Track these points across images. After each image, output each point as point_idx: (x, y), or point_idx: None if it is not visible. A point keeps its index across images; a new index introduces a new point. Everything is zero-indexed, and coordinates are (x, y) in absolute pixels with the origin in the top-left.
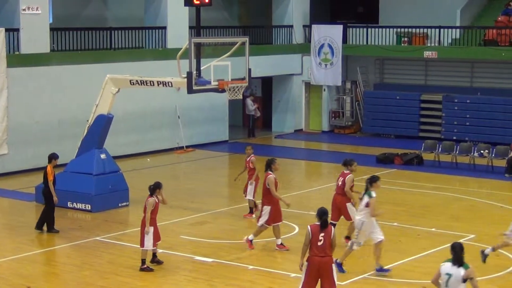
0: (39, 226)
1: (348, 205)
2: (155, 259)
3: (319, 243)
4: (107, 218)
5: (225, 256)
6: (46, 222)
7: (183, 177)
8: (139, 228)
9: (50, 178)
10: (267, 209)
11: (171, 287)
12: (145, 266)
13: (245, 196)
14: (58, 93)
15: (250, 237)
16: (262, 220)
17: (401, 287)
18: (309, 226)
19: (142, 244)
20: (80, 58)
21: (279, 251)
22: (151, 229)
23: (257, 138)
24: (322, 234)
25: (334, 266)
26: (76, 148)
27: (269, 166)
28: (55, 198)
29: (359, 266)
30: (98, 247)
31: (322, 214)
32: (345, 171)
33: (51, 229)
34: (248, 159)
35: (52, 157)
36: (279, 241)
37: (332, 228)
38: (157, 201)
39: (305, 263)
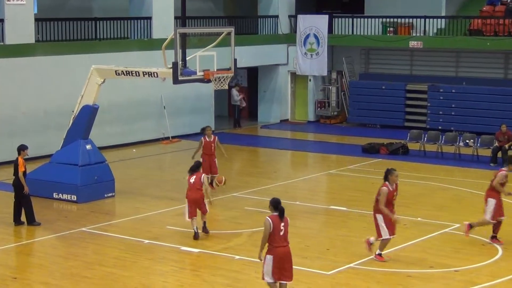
0: (16, 220)
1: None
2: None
3: (281, 233)
4: (93, 209)
5: (212, 246)
6: (26, 213)
7: (169, 168)
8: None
9: (22, 170)
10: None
11: (158, 278)
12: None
13: (216, 173)
14: (44, 84)
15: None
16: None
17: (387, 276)
18: (269, 218)
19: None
20: (65, 48)
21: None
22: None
23: (243, 128)
24: (282, 224)
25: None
26: (61, 138)
27: (386, 176)
28: (26, 188)
29: (345, 255)
30: (84, 238)
31: (277, 204)
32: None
33: (31, 221)
34: (212, 139)
35: (21, 148)
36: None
37: (288, 218)
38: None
39: (268, 256)
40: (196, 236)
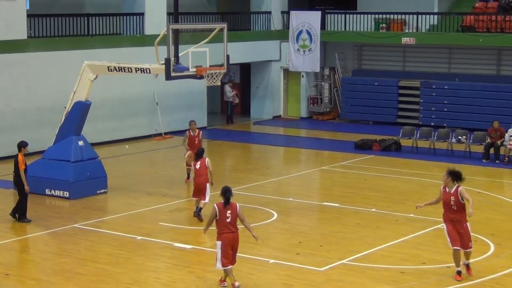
0: (13, 214)
1: None
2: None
3: (227, 220)
4: (85, 205)
5: (204, 242)
6: (18, 211)
7: (162, 164)
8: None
9: (22, 167)
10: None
11: (150, 274)
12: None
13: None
14: (36, 80)
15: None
16: None
17: (379, 272)
18: (216, 205)
19: (204, 198)
20: (57, 44)
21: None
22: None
23: (236, 125)
24: (229, 211)
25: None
26: (54, 135)
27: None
28: (26, 188)
29: (338, 252)
30: (76, 234)
31: (224, 192)
32: None
33: (23, 218)
34: (196, 133)
35: (22, 145)
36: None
37: (237, 204)
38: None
39: (217, 243)
40: (195, 215)
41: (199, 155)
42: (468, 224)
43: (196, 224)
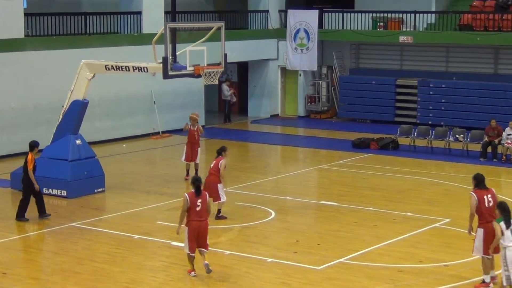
0: (20, 215)
1: None
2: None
3: (197, 209)
4: (83, 204)
5: None
6: (19, 209)
7: (159, 163)
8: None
9: (30, 167)
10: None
11: (148, 273)
12: (221, 214)
13: (196, 161)
14: (33, 79)
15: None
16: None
17: (377, 271)
18: (186, 194)
19: (218, 198)
20: (54, 43)
21: (254, 236)
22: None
23: (233, 123)
24: (199, 201)
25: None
26: (51, 134)
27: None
28: (36, 186)
29: (336, 250)
30: (74, 233)
31: (194, 181)
32: None
33: (21, 217)
34: (196, 128)
35: (34, 145)
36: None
37: (206, 194)
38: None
39: (185, 228)
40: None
41: (219, 153)
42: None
43: None
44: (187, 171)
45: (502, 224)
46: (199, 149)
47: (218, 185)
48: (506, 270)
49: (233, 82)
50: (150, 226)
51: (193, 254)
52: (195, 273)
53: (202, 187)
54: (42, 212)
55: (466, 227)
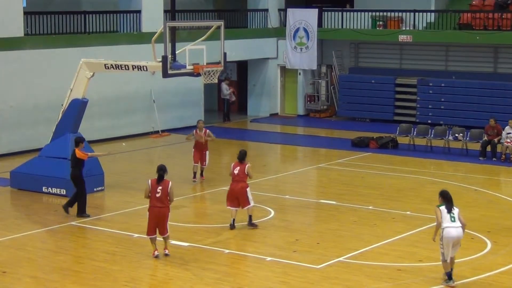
0: (67, 209)
1: None
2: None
3: (157, 195)
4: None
5: (201, 240)
6: (78, 206)
7: (158, 162)
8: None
9: (86, 157)
10: None
11: (147, 271)
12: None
13: (204, 165)
14: (32, 78)
15: None
16: None
17: (376, 270)
18: (149, 180)
19: (248, 203)
20: (54, 42)
21: (254, 235)
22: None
23: (233, 122)
24: (160, 188)
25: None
26: (51, 132)
27: None
28: (104, 152)
29: (335, 249)
30: (73, 232)
31: (158, 170)
32: None
33: (82, 213)
34: (203, 132)
35: (79, 140)
36: None
37: (169, 182)
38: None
39: (147, 213)
40: (231, 227)
41: (241, 158)
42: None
43: (192, 221)
44: (194, 173)
45: (443, 208)
46: (207, 152)
47: (247, 189)
48: (442, 247)
49: (233, 81)
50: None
51: (152, 236)
52: (157, 252)
53: (165, 177)
54: (82, 210)
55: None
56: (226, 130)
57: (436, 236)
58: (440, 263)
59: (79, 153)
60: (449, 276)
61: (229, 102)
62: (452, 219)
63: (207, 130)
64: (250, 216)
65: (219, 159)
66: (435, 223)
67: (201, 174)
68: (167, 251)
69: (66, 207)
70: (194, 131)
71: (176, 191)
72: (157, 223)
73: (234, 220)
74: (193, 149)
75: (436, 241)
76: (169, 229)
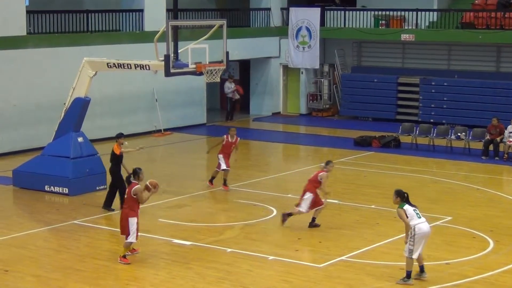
0: (107, 205)
1: None
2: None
3: (125, 196)
4: (84, 201)
5: (203, 239)
6: (106, 197)
7: (161, 161)
8: (119, 211)
9: (118, 151)
10: None
11: (149, 270)
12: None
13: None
14: (35, 76)
15: None
16: None
17: (378, 269)
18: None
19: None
20: (56, 41)
21: (256, 234)
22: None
23: (235, 121)
24: (128, 190)
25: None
26: (53, 131)
27: None
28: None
29: (337, 248)
30: (76, 230)
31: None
32: None
33: (107, 206)
34: (234, 140)
35: (118, 136)
36: None
37: (134, 185)
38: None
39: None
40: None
41: (326, 164)
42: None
43: (195, 220)
44: (213, 177)
45: (407, 207)
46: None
47: (307, 193)
48: (412, 244)
49: (235, 80)
50: (152, 223)
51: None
52: (136, 252)
53: (133, 179)
54: (108, 204)
55: (468, 225)
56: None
57: (406, 237)
58: (443, 262)
59: (114, 148)
60: (408, 275)
61: (232, 100)
62: (418, 215)
63: (238, 139)
64: (313, 219)
65: None
66: (436, 223)
67: (224, 183)
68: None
69: (106, 206)
70: (225, 136)
71: (178, 189)
72: (120, 222)
73: (312, 218)
74: (219, 155)
75: (439, 241)
76: (133, 236)
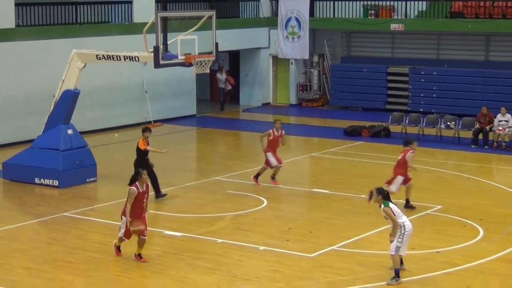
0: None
1: None
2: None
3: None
4: (74, 193)
5: (194, 230)
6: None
7: (151, 152)
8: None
9: (142, 147)
10: None
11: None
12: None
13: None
14: (24, 69)
15: None
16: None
17: (369, 258)
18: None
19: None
20: (45, 33)
21: (247, 225)
22: None
23: (225, 112)
24: None
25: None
26: (42, 123)
27: None
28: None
29: (328, 238)
30: (66, 222)
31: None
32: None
33: (158, 194)
34: (280, 133)
35: (144, 130)
36: None
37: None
38: None
39: None
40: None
41: (406, 143)
42: None
43: (185, 211)
44: (259, 174)
45: (392, 205)
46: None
47: (398, 176)
48: (400, 242)
49: (226, 71)
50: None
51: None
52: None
53: (135, 180)
54: (157, 192)
55: (458, 214)
56: (218, 120)
57: (392, 234)
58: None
59: (140, 142)
60: (397, 274)
61: (224, 91)
62: (402, 212)
63: (283, 132)
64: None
65: (211, 149)
66: (427, 211)
67: (273, 177)
68: None
69: (158, 195)
70: (271, 130)
71: (169, 180)
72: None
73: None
74: (266, 152)
75: (429, 230)
76: (120, 232)
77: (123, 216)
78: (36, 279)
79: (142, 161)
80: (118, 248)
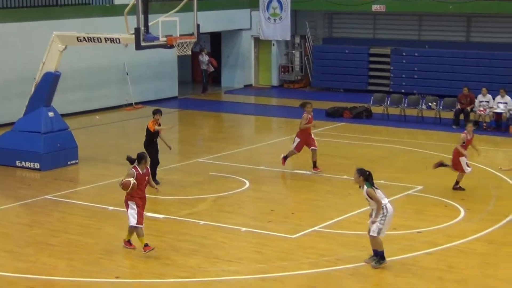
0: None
1: None
2: None
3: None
4: (56, 176)
5: (176, 212)
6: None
7: (133, 134)
8: (91, 185)
9: (153, 128)
10: None
11: (122, 244)
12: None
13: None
14: (4, 52)
15: None
16: None
17: (350, 238)
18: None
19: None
20: (25, 15)
21: (229, 206)
22: None
23: (207, 94)
24: None
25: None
26: (23, 106)
27: None
28: (169, 146)
29: (310, 219)
30: (48, 205)
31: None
32: None
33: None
34: (311, 116)
35: (154, 112)
36: None
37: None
38: None
39: None
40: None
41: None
42: None
43: (168, 194)
44: (287, 156)
45: (375, 187)
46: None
47: (460, 158)
48: (382, 224)
49: (208, 52)
50: (124, 197)
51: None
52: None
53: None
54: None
55: (439, 194)
56: (200, 102)
57: (376, 216)
58: (415, 231)
59: (149, 124)
60: (382, 256)
61: (207, 73)
62: (383, 194)
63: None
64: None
65: (193, 131)
66: (408, 192)
67: (315, 165)
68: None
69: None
70: (305, 115)
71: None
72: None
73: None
74: (298, 138)
75: (410, 210)
76: (130, 221)
77: (128, 203)
78: (18, 262)
79: (151, 142)
80: (129, 242)
